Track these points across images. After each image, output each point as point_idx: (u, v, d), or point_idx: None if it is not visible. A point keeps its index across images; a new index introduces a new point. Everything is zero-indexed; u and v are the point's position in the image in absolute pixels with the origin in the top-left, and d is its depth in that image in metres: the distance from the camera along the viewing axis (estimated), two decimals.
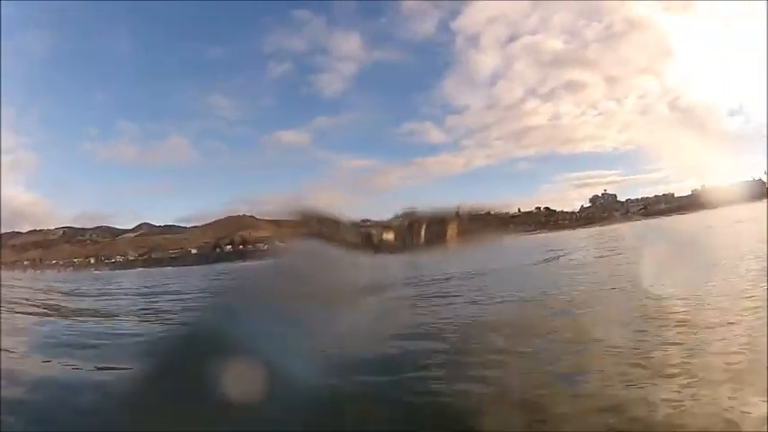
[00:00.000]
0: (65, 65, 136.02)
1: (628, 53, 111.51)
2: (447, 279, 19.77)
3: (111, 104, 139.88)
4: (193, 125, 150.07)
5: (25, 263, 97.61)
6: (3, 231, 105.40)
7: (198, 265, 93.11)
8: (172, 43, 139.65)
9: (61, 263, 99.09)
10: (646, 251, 19.52)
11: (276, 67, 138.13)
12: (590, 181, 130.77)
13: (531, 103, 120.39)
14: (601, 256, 22.97)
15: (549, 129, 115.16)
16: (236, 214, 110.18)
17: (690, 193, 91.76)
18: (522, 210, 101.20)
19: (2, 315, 15.24)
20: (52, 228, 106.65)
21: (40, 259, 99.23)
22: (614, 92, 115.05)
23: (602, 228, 77.56)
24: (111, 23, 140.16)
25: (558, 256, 24.76)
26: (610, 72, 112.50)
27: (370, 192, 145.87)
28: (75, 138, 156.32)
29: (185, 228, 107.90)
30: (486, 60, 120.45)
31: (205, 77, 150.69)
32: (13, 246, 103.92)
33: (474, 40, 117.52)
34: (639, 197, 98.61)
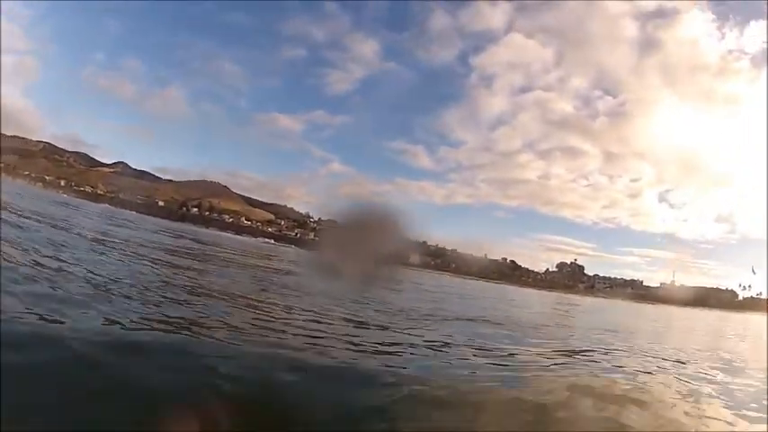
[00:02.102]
0: None
1: (633, 134, 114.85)
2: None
3: (123, 37, 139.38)
4: (196, 83, 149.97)
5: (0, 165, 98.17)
6: None
7: (161, 218, 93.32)
8: None
9: (33, 175, 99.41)
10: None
11: (290, 50, 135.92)
12: (562, 247, 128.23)
13: (526, 157, 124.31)
14: None
15: (536, 186, 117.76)
16: (211, 180, 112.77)
17: (658, 285, 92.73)
18: (488, 256, 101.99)
19: None
20: (34, 139, 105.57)
21: (15, 167, 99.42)
22: (609, 168, 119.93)
23: (562, 294, 76.22)
24: None
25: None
26: (610, 148, 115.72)
27: (342, 197, 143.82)
28: (80, 59, 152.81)
29: (159, 178, 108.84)
30: (494, 103, 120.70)
31: (219, 39, 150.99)
32: None
33: (488, 80, 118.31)
34: (607, 275, 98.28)
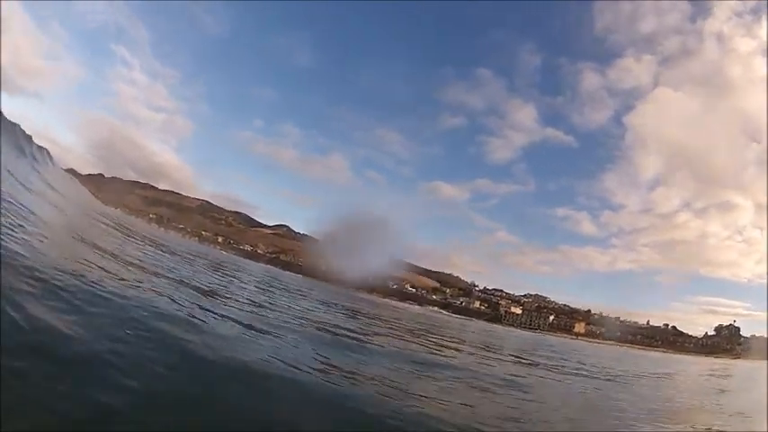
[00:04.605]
0: (242, 51, 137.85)
1: None
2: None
3: (281, 105, 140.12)
4: (359, 151, 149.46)
5: (151, 216, 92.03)
6: (138, 180, 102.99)
7: (322, 281, 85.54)
8: (353, 66, 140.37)
9: (189, 230, 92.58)
10: None
11: (450, 119, 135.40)
12: (718, 309, 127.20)
13: (684, 217, 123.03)
14: None
15: (695, 246, 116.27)
16: None
17: None
18: (650, 323, 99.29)
19: None
20: (190, 196, 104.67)
21: (168, 219, 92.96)
22: (761, 219, 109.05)
23: (727, 361, 67.39)
24: (298, 29, 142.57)
25: None
26: (761, 199, 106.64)
27: (507, 266, 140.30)
28: (236, 123, 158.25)
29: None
30: (651, 163, 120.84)
31: (379, 108, 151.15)
32: (145, 197, 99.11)
33: (643, 139, 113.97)
34: (764, 335, 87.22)
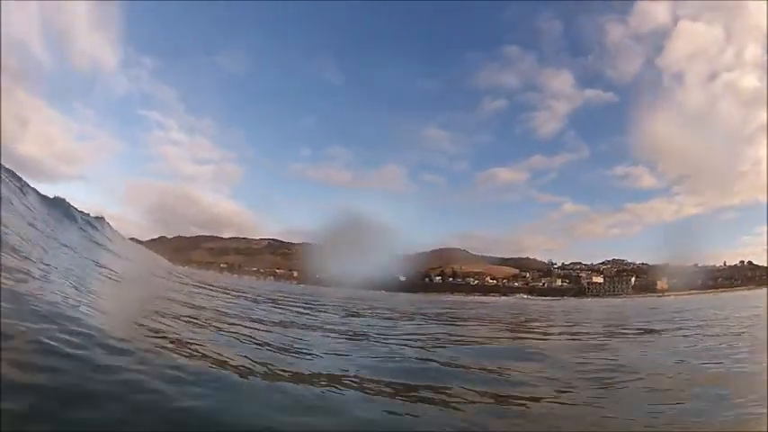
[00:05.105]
0: (271, 87, 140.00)
1: None
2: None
3: (322, 129, 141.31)
4: (411, 156, 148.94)
5: (222, 266, 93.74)
6: (202, 234, 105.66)
7: (404, 291, 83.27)
8: (384, 72, 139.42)
9: (262, 271, 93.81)
10: None
11: (491, 103, 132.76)
12: None
13: (736, 147, 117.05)
14: None
15: (752, 175, 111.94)
16: (447, 247, 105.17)
17: None
18: (727, 263, 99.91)
19: None
20: (256, 238, 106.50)
21: (240, 265, 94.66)
22: None
23: None
24: (319, 50, 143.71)
25: None
26: None
27: (579, 237, 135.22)
28: (283, 157, 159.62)
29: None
30: (692, 99, 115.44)
31: (419, 109, 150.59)
32: (211, 249, 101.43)
33: (679, 77, 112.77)
34: None
